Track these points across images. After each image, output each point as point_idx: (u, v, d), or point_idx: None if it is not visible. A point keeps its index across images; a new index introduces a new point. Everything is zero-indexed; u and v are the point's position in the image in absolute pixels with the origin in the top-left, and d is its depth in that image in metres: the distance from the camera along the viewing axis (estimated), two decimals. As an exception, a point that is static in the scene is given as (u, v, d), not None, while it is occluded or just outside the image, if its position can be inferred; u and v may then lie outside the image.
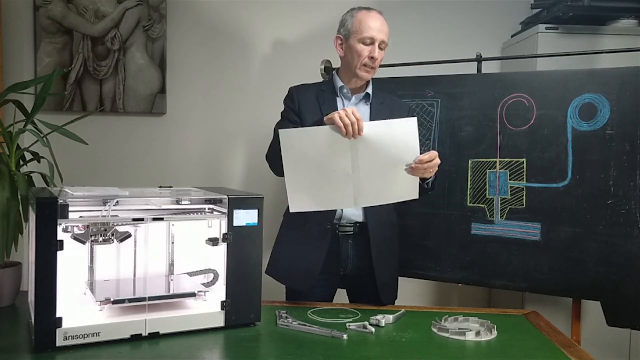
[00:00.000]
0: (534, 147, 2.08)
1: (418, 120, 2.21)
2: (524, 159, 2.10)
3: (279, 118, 1.89)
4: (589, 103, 2.01)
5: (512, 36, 2.81)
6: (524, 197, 2.09)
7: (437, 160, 1.61)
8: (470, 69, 2.33)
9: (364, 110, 1.86)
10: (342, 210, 1.82)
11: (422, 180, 1.69)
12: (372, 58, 1.80)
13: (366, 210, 1.82)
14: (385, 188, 1.62)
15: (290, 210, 1.58)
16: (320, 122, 1.71)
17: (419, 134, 1.61)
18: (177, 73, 2.77)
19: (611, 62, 2.17)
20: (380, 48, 1.82)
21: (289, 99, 1.89)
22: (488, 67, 2.48)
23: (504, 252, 2.12)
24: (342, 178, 1.57)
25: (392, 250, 1.92)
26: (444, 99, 2.24)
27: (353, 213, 1.83)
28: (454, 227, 2.20)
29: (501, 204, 2.13)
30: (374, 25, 1.80)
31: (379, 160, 1.57)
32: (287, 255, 1.89)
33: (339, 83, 1.88)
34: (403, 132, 1.58)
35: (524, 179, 2.10)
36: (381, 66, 2.29)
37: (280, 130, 1.56)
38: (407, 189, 1.62)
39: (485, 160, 2.17)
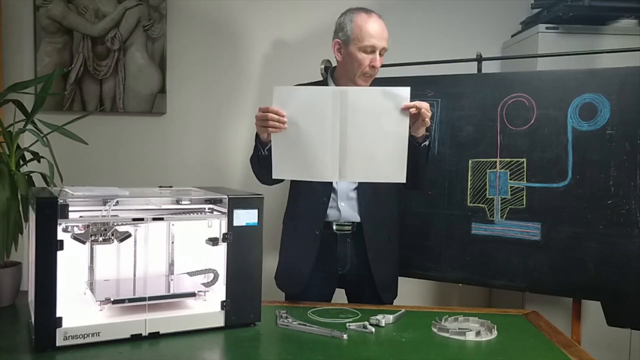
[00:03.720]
0: (534, 147, 2.08)
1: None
2: (524, 159, 2.10)
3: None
4: (589, 103, 2.01)
5: (512, 36, 2.81)
6: (524, 197, 2.09)
7: (427, 112, 1.61)
8: (471, 68, 2.33)
9: None
10: (340, 212, 1.82)
11: (417, 142, 1.69)
12: (373, 67, 1.76)
13: (362, 211, 1.82)
14: (372, 163, 1.60)
15: (273, 176, 1.61)
16: None
17: None
18: (177, 73, 2.77)
19: (611, 62, 2.17)
20: (381, 54, 1.78)
21: None
22: (488, 67, 2.48)
23: (504, 252, 2.12)
24: (329, 145, 1.57)
25: (390, 250, 1.92)
26: (444, 99, 2.24)
27: (351, 214, 1.82)
28: (454, 227, 2.20)
29: (501, 204, 2.13)
30: (375, 32, 1.74)
31: (368, 129, 1.58)
32: (282, 262, 1.94)
33: (333, 86, 1.84)
34: (395, 101, 1.58)
35: (524, 179, 2.10)
36: (381, 66, 2.30)
37: (275, 88, 1.60)
38: (394, 169, 1.59)
39: (485, 160, 2.17)
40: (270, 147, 1.64)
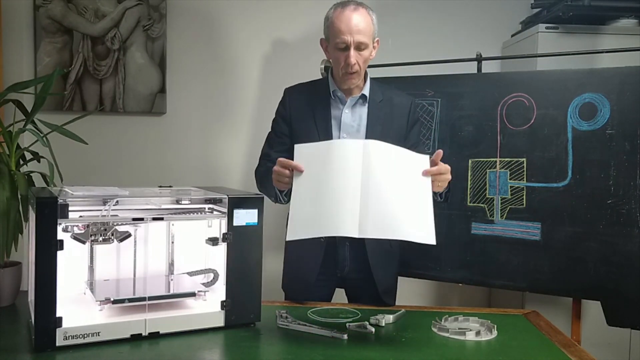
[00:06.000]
0: (534, 146, 2.08)
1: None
2: (524, 159, 2.10)
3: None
4: (589, 103, 2.01)
5: (512, 35, 2.81)
6: (524, 196, 2.09)
7: (448, 176, 1.50)
8: (471, 68, 2.33)
9: (361, 111, 1.81)
10: None
11: (434, 193, 1.58)
12: (347, 64, 1.68)
13: None
14: (394, 221, 1.42)
15: (287, 239, 1.44)
16: (311, 128, 1.74)
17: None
18: (177, 73, 2.77)
19: (611, 62, 2.17)
20: (360, 49, 1.68)
21: (281, 105, 1.87)
22: (488, 67, 2.48)
23: (504, 252, 2.12)
24: (349, 200, 1.42)
25: (391, 255, 1.88)
26: (444, 98, 2.24)
27: None
28: (454, 227, 2.20)
29: (501, 203, 2.13)
30: (344, 27, 1.65)
31: (390, 185, 1.44)
32: (288, 271, 1.92)
33: (332, 86, 1.81)
34: (416, 166, 1.47)
35: (524, 179, 2.10)
36: (381, 66, 2.30)
37: (295, 145, 1.49)
38: (421, 230, 1.42)
39: (485, 159, 2.17)
40: (287, 192, 1.60)
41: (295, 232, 1.43)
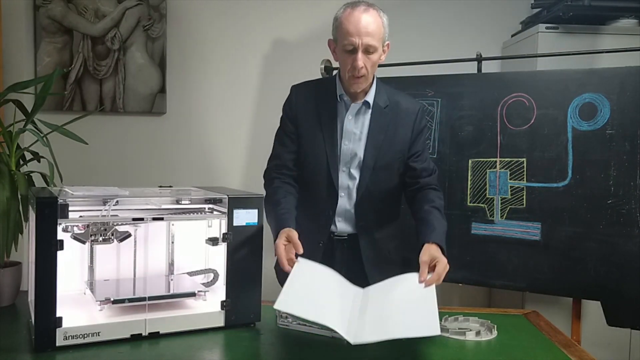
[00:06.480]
0: (534, 146, 2.08)
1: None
2: (524, 159, 2.10)
3: (279, 118, 1.87)
4: (589, 103, 2.01)
5: (512, 36, 2.81)
6: (524, 196, 2.09)
7: (447, 268, 1.45)
8: (471, 68, 2.33)
9: (364, 118, 1.73)
10: (336, 225, 1.76)
11: None
12: (354, 67, 1.60)
13: (357, 224, 1.75)
14: (395, 323, 1.35)
15: (274, 306, 1.31)
16: (317, 132, 1.71)
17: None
18: (177, 73, 2.77)
19: (611, 62, 2.17)
20: (368, 52, 1.60)
21: (288, 104, 1.80)
22: (488, 67, 2.48)
23: (504, 252, 2.12)
24: (347, 304, 1.40)
25: (391, 261, 1.83)
26: (444, 98, 2.24)
27: (347, 229, 1.77)
28: (454, 227, 2.19)
29: (501, 203, 2.13)
30: (353, 28, 1.57)
31: (393, 302, 1.42)
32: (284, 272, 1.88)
33: (340, 90, 1.74)
34: (414, 279, 1.44)
35: (524, 179, 2.10)
36: (381, 66, 2.29)
37: (299, 258, 1.48)
38: (424, 325, 1.31)
39: (485, 160, 2.17)
40: None
41: (286, 305, 1.32)
